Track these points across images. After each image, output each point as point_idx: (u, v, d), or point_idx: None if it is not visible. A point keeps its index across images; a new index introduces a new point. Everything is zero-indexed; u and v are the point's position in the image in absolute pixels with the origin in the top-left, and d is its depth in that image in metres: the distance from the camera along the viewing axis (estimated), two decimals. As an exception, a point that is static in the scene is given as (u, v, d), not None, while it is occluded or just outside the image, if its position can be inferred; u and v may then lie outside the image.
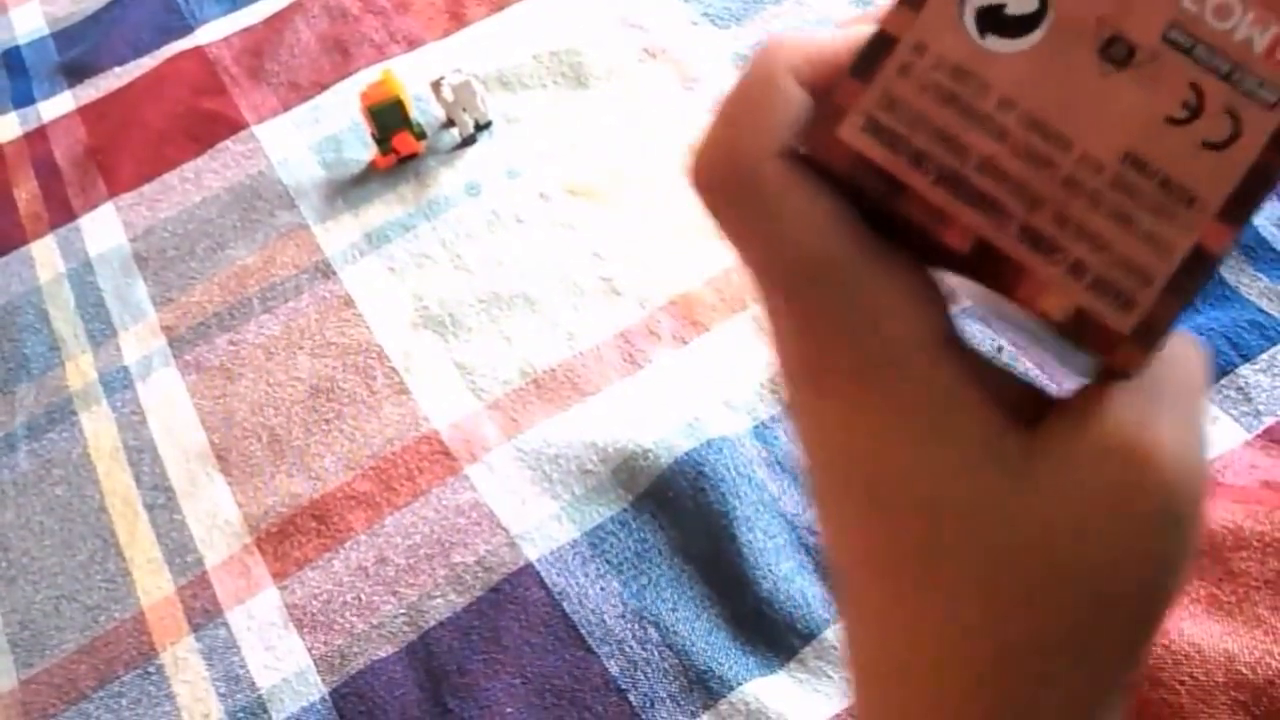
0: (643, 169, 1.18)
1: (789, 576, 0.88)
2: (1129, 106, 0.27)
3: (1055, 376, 0.91)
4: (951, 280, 0.31)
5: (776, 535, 0.90)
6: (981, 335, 0.96)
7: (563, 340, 1.05)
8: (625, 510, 0.94)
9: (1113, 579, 0.28)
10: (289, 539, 0.97)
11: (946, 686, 0.30)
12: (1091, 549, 0.28)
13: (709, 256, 1.08)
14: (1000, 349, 0.95)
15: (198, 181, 1.27)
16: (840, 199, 0.29)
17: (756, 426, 0.97)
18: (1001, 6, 0.27)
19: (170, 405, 1.08)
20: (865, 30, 0.29)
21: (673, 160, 1.17)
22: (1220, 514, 0.82)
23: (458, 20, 1.38)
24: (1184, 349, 0.30)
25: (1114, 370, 0.28)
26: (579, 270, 1.10)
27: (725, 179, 0.29)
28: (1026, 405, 0.30)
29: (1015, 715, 0.30)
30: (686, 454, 0.94)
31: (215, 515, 1.00)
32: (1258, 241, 0.98)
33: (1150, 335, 0.27)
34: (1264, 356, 0.92)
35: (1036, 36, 0.27)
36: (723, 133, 0.30)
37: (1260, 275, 0.97)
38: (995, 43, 0.28)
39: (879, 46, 0.28)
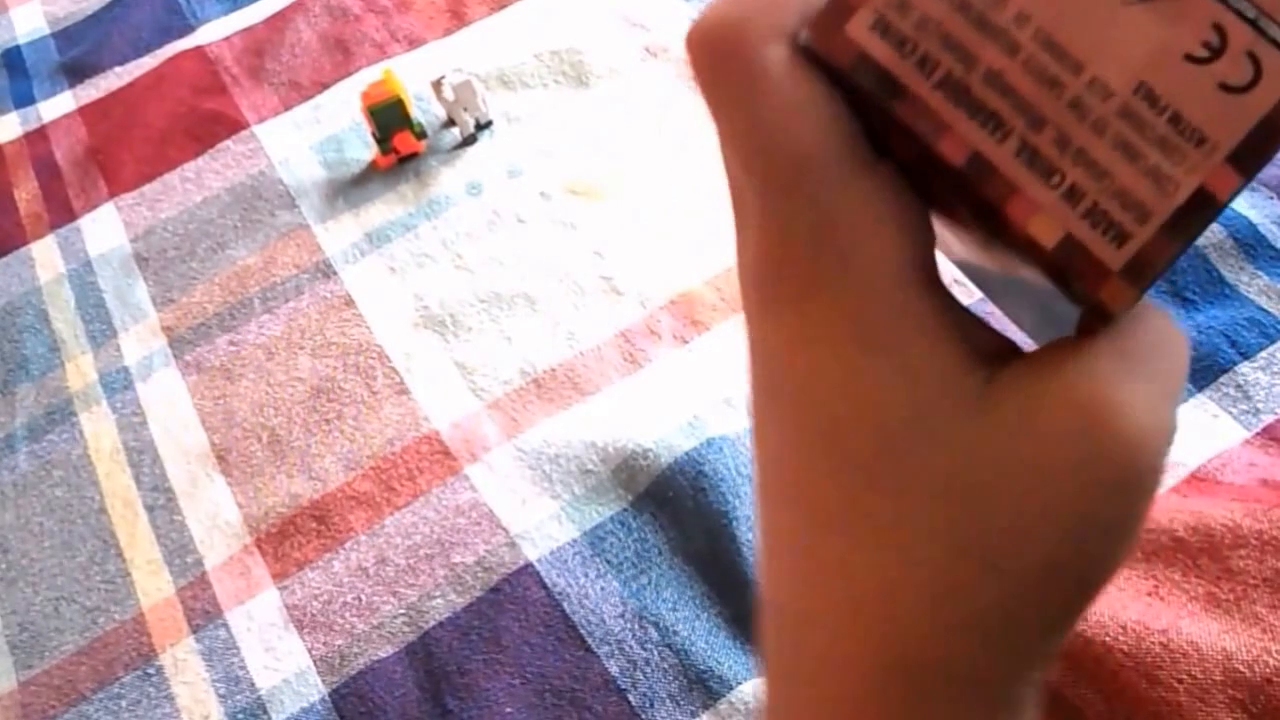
0: (644, 168, 1.18)
1: (789, 576, 0.87)
2: (1148, 37, 0.26)
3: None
4: (936, 227, 0.30)
5: (776, 535, 0.90)
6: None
7: (563, 340, 1.05)
8: (625, 510, 0.94)
9: (1059, 536, 0.27)
10: (289, 539, 0.97)
11: (867, 632, 0.29)
12: (1040, 501, 0.27)
13: (710, 255, 1.08)
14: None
15: (198, 181, 1.27)
16: (839, 101, 0.28)
17: (756, 426, 0.96)
18: None
19: (171, 406, 1.08)
20: None
21: (674, 160, 1.17)
22: (1219, 512, 0.81)
23: (459, 19, 1.38)
24: (1170, 329, 0.29)
25: (1099, 308, 0.27)
26: (580, 270, 1.10)
27: (726, 52, 0.28)
28: (998, 355, 0.29)
29: (935, 677, 0.29)
30: (686, 453, 0.94)
31: (215, 516, 1.00)
32: (1256, 239, 0.98)
33: (1141, 274, 0.26)
34: (1263, 354, 0.92)
35: None
36: (733, 5, 0.28)
37: (1260, 273, 0.96)
38: None
39: None
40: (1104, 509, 0.27)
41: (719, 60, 0.28)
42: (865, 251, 0.28)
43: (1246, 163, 0.26)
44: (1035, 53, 0.26)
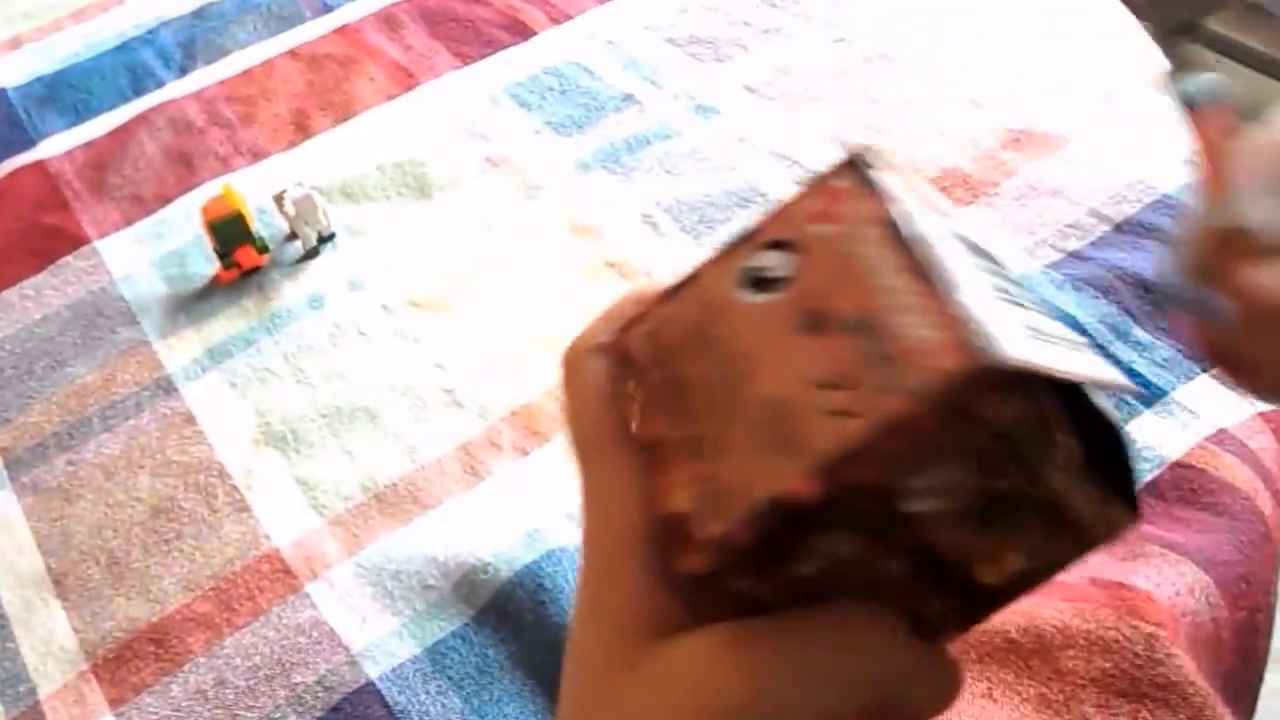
0: (486, 279, 1.19)
1: (628, 687, 0.87)
2: (797, 362, 0.30)
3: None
4: None
5: (616, 645, 0.90)
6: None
7: (404, 454, 1.05)
8: (466, 625, 0.93)
9: None
10: (126, 664, 0.96)
11: None
12: None
13: (550, 367, 1.09)
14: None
15: (37, 299, 1.26)
16: (617, 396, 0.35)
17: (596, 536, 0.97)
18: (762, 270, 0.32)
19: (5, 530, 1.06)
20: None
21: (515, 271, 1.18)
22: (1048, 613, 0.83)
23: (302, 131, 1.38)
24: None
25: (678, 574, 0.30)
26: (421, 382, 1.10)
27: (568, 359, 0.37)
28: (670, 623, 0.33)
29: None
30: (527, 566, 0.94)
31: (50, 642, 0.98)
32: (1081, 334, 1.01)
33: (718, 552, 0.30)
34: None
35: (770, 298, 0.32)
36: (584, 328, 0.38)
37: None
38: (745, 295, 0.32)
39: (685, 282, 0.34)
40: None
41: (566, 364, 0.37)
42: (613, 512, 0.35)
43: (825, 476, 0.29)
44: (722, 366, 0.32)
